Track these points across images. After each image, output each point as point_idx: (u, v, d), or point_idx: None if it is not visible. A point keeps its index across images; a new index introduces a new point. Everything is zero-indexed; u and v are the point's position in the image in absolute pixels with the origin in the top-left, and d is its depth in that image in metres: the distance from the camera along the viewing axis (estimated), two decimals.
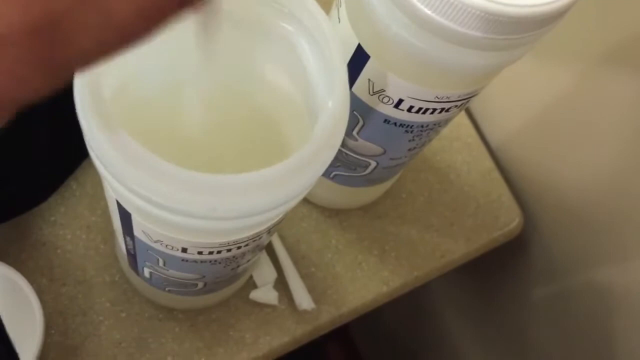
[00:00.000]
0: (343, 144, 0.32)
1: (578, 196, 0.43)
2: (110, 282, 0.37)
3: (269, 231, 0.25)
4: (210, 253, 0.24)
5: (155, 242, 0.24)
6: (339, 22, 0.27)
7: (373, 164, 0.33)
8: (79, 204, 0.38)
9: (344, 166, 0.34)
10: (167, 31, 0.23)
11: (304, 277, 0.39)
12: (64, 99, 0.34)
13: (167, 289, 0.32)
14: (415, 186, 0.43)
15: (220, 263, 0.26)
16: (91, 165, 0.38)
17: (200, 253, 0.24)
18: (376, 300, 0.40)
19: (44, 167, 0.36)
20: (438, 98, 0.26)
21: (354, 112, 0.29)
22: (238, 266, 0.29)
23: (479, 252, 0.43)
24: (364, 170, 0.34)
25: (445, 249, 0.42)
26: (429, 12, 0.22)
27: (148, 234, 0.23)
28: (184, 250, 0.24)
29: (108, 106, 0.18)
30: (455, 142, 0.45)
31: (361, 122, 0.30)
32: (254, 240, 0.25)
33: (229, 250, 0.24)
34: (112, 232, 0.37)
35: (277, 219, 0.23)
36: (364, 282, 0.40)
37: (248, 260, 0.29)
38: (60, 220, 0.38)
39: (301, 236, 0.40)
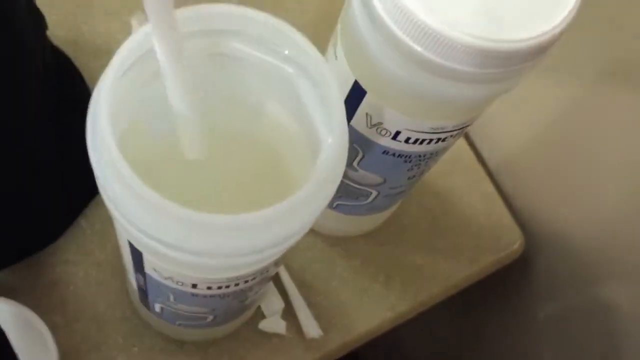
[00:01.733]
0: (344, 175, 0.33)
1: (578, 215, 0.43)
2: (122, 318, 0.38)
3: (276, 263, 0.26)
4: (219, 288, 0.25)
5: (166, 278, 0.24)
6: (336, 59, 0.28)
7: (374, 193, 0.34)
8: (89, 242, 0.39)
9: (346, 196, 0.35)
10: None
11: (311, 305, 0.40)
12: (71, 143, 0.35)
13: (177, 322, 0.32)
14: (418, 211, 0.44)
15: (229, 297, 0.27)
16: (100, 204, 0.39)
17: (209, 288, 0.25)
18: (382, 326, 0.41)
19: (54, 208, 0.37)
20: (433, 129, 0.27)
21: (354, 145, 0.30)
22: (247, 298, 0.29)
23: (483, 273, 0.44)
24: (366, 199, 0.35)
25: (450, 272, 0.43)
26: (420, 50, 0.23)
27: (159, 271, 0.24)
28: (194, 286, 0.24)
29: (119, 150, 0.19)
30: (455, 165, 0.46)
31: (361, 154, 0.31)
32: (262, 274, 0.25)
33: (237, 285, 0.25)
34: (122, 269, 0.38)
35: (282, 253, 0.23)
36: (370, 309, 0.41)
37: (256, 292, 0.30)
38: (72, 259, 0.38)
39: (307, 265, 0.41)
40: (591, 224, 0.43)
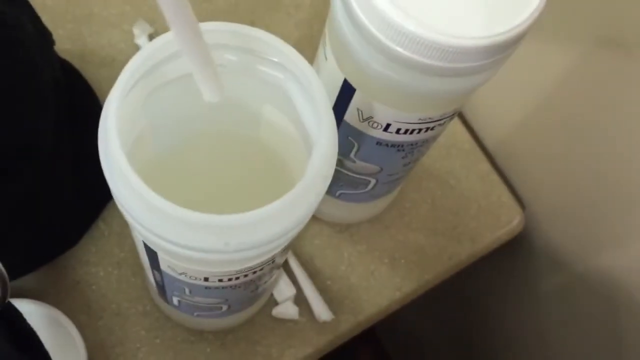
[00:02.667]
0: (343, 166, 0.35)
1: (575, 189, 0.45)
2: (143, 312, 0.40)
3: (282, 254, 0.28)
4: (230, 280, 0.27)
5: (181, 274, 0.27)
6: (326, 60, 0.30)
7: (373, 181, 0.36)
8: (107, 243, 0.41)
9: (347, 185, 0.37)
10: (177, 86, 0.26)
11: (321, 290, 0.42)
12: (85, 151, 0.37)
13: (195, 313, 0.35)
14: (418, 195, 0.46)
15: (240, 287, 0.29)
16: (116, 206, 0.42)
17: (220, 280, 0.27)
18: (391, 306, 0.43)
19: (73, 213, 0.40)
20: (421, 120, 0.29)
21: (349, 138, 0.32)
22: (257, 288, 0.31)
23: (484, 251, 0.46)
24: (366, 187, 0.37)
25: (452, 252, 0.45)
26: (400, 50, 0.25)
27: (173, 268, 0.26)
28: (206, 279, 0.26)
29: (128, 162, 0.21)
30: (452, 148, 0.47)
31: (356, 146, 0.32)
32: (269, 264, 0.27)
33: (246, 276, 0.27)
34: (140, 266, 0.41)
35: (285, 245, 0.25)
36: (378, 290, 0.43)
37: (266, 282, 0.32)
38: (92, 259, 0.41)
39: (315, 253, 0.43)
40: (588, 196, 0.44)
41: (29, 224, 0.36)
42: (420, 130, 0.30)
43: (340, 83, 0.29)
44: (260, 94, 0.27)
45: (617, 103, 0.39)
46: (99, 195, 0.41)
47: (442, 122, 0.30)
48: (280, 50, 0.24)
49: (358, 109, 0.30)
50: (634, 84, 0.37)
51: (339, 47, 0.28)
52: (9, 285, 0.31)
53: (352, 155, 0.33)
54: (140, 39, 0.45)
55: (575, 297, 0.48)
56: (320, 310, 0.41)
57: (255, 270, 0.27)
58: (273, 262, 0.28)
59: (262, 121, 0.28)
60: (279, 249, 0.25)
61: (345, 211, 0.42)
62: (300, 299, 0.41)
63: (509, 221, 0.46)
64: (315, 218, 0.44)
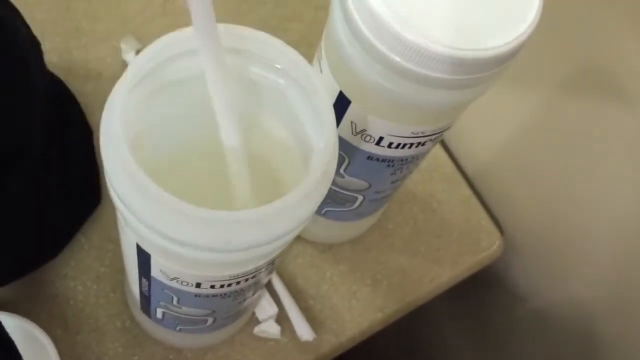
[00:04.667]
0: (332, 181, 0.35)
1: (553, 215, 0.46)
2: (122, 328, 0.39)
3: (271, 264, 0.28)
4: (222, 286, 0.27)
5: (172, 279, 0.26)
6: (321, 72, 0.30)
7: (360, 198, 0.36)
8: (87, 257, 0.40)
9: (333, 202, 0.37)
10: (176, 90, 0.26)
11: (304, 309, 0.42)
12: (68, 162, 0.36)
13: (178, 328, 0.34)
14: (401, 217, 0.46)
15: (229, 297, 0.29)
16: (97, 219, 0.41)
17: (212, 287, 0.26)
18: (372, 327, 0.43)
19: (54, 225, 0.39)
20: (414, 133, 0.30)
21: (340, 152, 0.32)
22: (244, 299, 0.31)
23: (465, 274, 0.46)
24: (352, 205, 0.37)
25: (434, 274, 0.45)
26: (399, 59, 0.25)
27: (165, 272, 0.26)
28: (198, 285, 0.26)
29: (130, 153, 0.21)
30: (434, 173, 0.48)
31: (347, 161, 0.33)
32: (259, 272, 0.27)
33: (238, 283, 0.27)
34: (120, 281, 0.40)
35: (281, 249, 0.25)
36: (360, 311, 0.43)
37: (252, 294, 0.32)
38: (71, 273, 0.40)
39: (298, 272, 0.43)
40: (566, 222, 0.45)
41: (10, 234, 0.36)
42: (412, 144, 0.31)
43: (335, 95, 0.29)
44: (257, 100, 0.27)
45: (593, 133, 0.40)
46: (80, 207, 0.40)
47: (433, 137, 0.31)
48: (282, 52, 0.24)
49: (352, 122, 0.30)
50: (610, 115, 0.38)
51: (337, 58, 0.28)
52: None
53: (341, 170, 0.34)
54: (128, 55, 0.45)
55: (549, 324, 0.49)
56: (302, 329, 0.40)
57: (248, 277, 0.27)
58: (264, 270, 0.28)
59: (256, 127, 0.28)
60: (276, 253, 0.25)
61: (329, 230, 0.42)
62: (282, 318, 0.41)
63: (489, 245, 0.47)
64: (298, 238, 0.43)
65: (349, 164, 0.33)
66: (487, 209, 0.48)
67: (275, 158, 0.29)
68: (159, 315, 0.33)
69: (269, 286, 0.42)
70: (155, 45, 0.23)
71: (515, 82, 0.43)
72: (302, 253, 0.44)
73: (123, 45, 0.45)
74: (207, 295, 0.28)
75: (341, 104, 0.30)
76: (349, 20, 0.26)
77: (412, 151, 0.31)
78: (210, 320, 0.32)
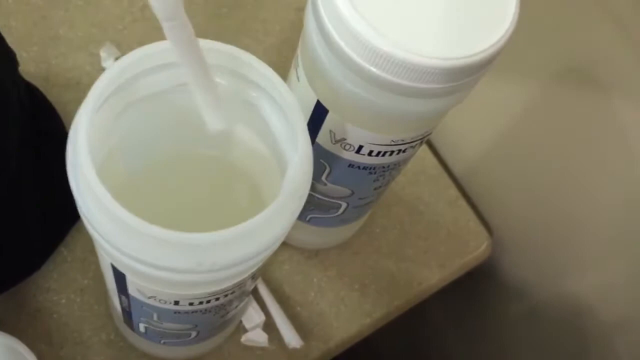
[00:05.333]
0: (314, 189, 0.35)
1: (542, 215, 0.45)
2: (107, 341, 0.39)
3: (253, 277, 0.28)
4: (201, 303, 0.26)
5: (149, 298, 0.26)
6: (298, 80, 0.30)
7: (344, 205, 0.36)
8: (70, 269, 0.40)
9: (317, 209, 0.37)
10: (147, 105, 0.25)
11: (291, 317, 0.41)
12: (48, 174, 0.36)
13: (162, 341, 0.34)
14: (388, 220, 0.45)
15: (210, 312, 0.28)
16: (80, 231, 0.41)
17: (191, 304, 0.26)
18: (361, 332, 0.42)
19: (35, 238, 0.38)
20: (394, 142, 0.29)
21: (320, 160, 0.32)
22: (227, 313, 0.31)
23: (453, 276, 0.46)
24: (337, 212, 0.37)
25: (422, 277, 0.44)
26: (374, 70, 0.25)
27: (142, 291, 0.25)
28: (176, 303, 0.26)
29: (97, 177, 0.21)
30: (421, 175, 0.48)
31: (328, 169, 0.32)
32: (240, 287, 0.27)
33: (217, 299, 0.26)
34: (104, 293, 0.39)
35: (258, 266, 0.25)
36: (348, 316, 0.42)
37: (236, 307, 0.31)
38: (54, 286, 0.39)
39: (284, 279, 0.42)
40: (555, 222, 0.45)
41: None
42: (392, 152, 0.30)
43: (312, 104, 0.29)
44: (233, 113, 0.26)
45: (580, 131, 0.40)
46: (62, 220, 0.40)
47: (414, 144, 0.30)
48: (254, 67, 0.23)
49: (330, 131, 0.30)
50: (598, 114, 0.38)
51: (313, 68, 0.28)
52: None
53: (323, 178, 0.33)
54: (107, 62, 0.45)
55: (541, 322, 0.48)
56: (290, 337, 0.40)
57: (227, 293, 0.26)
58: (244, 285, 0.27)
59: (234, 141, 0.27)
60: (252, 270, 0.25)
61: (315, 236, 0.42)
62: (269, 326, 0.41)
63: (477, 246, 0.46)
64: (284, 244, 0.43)
65: (330, 172, 0.33)
66: (475, 210, 0.48)
67: (254, 168, 0.29)
68: (142, 329, 0.33)
69: (256, 294, 0.41)
70: (119, 64, 0.22)
71: (501, 82, 0.42)
72: (288, 259, 0.43)
73: (102, 53, 0.45)
74: (187, 312, 0.27)
75: (319, 113, 0.29)
76: (323, 30, 0.25)
77: (393, 158, 0.31)
78: (193, 333, 0.32)
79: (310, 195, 0.35)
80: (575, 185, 0.42)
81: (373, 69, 0.25)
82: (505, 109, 0.44)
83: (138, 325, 0.32)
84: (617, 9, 0.34)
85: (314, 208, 0.37)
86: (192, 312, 0.27)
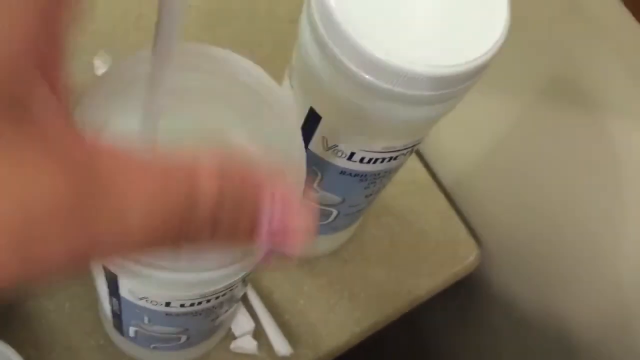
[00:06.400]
0: (305, 196, 0.35)
1: (529, 226, 0.46)
2: (97, 347, 0.39)
3: (244, 281, 0.28)
4: (192, 305, 0.26)
5: (141, 299, 0.26)
6: (292, 87, 0.30)
7: (335, 212, 0.36)
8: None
9: None
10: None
11: (280, 325, 0.41)
12: None
13: (152, 346, 0.34)
14: (378, 230, 0.46)
15: (201, 315, 0.28)
16: None
17: (182, 306, 0.26)
18: (350, 341, 0.43)
19: None
20: (385, 149, 0.30)
21: (312, 167, 0.32)
22: (217, 317, 0.31)
23: (443, 286, 0.46)
24: (327, 219, 0.37)
25: (411, 286, 0.45)
26: (368, 77, 0.25)
27: (133, 292, 0.26)
28: (168, 304, 0.26)
29: None
30: (411, 186, 0.48)
31: (319, 176, 0.33)
32: (230, 290, 0.27)
33: (208, 301, 0.26)
34: (94, 299, 0.39)
35: (250, 268, 0.25)
36: (338, 324, 0.42)
37: (226, 311, 0.31)
38: (44, 292, 0.39)
39: (274, 286, 0.43)
40: (542, 235, 0.45)
41: None
42: (384, 159, 0.31)
43: (306, 111, 0.29)
44: (228, 117, 0.27)
45: (570, 143, 0.40)
46: None
47: (404, 152, 0.31)
48: (249, 72, 0.24)
49: (323, 137, 0.30)
50: (586, 128, 0.38)
51: (307, 75, 0.28)
52: None
53: (315, 184, 0.34)
54: (101, 71, 0.45)
55: (528, 332, 0.49)
56: (279, 345, 0.40)
57: (218, 295, 0.26)
58: (235, 287, 0.27)
59: (227, 143, 0.28)
60: (244, 272, 0.25)
61: None
62: (259, 333, 0.41)
63: (466, 257, 0.47)
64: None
65: (321, 178, 0.33)
66: (465, 222, 0.48)
67: None
68: (131, 334, 0.33)
69: (246, 301, 0.41)
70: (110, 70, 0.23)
71: (490, 97, 0.43)
72: (280, 267, 0.43)
73: (96, 62, 0.45)
74: (178, 314, 0.27)
75: (312, 120, 0.29)
76: (317, 39, 0.26)
77: (384, 166, 0.31)
78: (183, 338, 0.32)
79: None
80: (563, 198, 0.42)
81: (367, 77, 0.25)
82: (494, 124, 0.45)
83: (128, 329, 0.32)
84: (600, 22, 0.35)
85: None
86: (183, 314, 0.27)
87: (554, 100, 0.40)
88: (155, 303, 0.26)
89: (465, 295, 0.52)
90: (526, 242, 0.47)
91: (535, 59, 0.40)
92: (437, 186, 0.49)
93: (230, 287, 0.26)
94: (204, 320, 0.30)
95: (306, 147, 0.31)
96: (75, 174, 0.13)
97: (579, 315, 0.45)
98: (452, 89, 0.26)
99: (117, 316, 0.31)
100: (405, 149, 0.30)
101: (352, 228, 0.43)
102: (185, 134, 0.25)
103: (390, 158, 0.31)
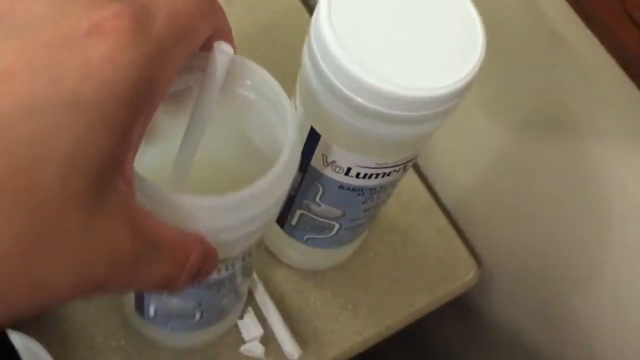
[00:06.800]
0: (309, 210, 0.39)
1: (527, 247, 0.49)
2: (117, 347, 0.42)
3: (244, 258, 0.31)
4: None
5: None
6: (295, 109, 0.34)
7: (337, 225, 0.40)
8: None
9: (313, 230, 0.41)
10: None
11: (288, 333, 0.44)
12: None
13: (169, 325, 0.37)
14: (381, 246, 0.49)
15: (214, 287, 0.32)
16: None
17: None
18: (352, 349, 0.45)
19: None
20: (378, 164, 0.33)
21: (315, 182, 0.36)
22: (226, 295, 0.34)
23: (442, 301, 0.49)
24: (330, 232, 0.40)
25: (412, 300, 0.48)
26: (360, 100, 0.29)
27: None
28: None
29: None
30: (414, 205, 0.51)
31: (321, 190, 0.36)
32: (243, 259, 0.31)
33: (218, 272, 0.30)
34: (117, 302, 0.43)
35: (258, 235, 0.29)
36: (341, 334, 0.45)
37: (236, 290, 0.35)
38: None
39: (282, 296, 0.46)
40: (540, 254, 0.48)
41: None
42: (378, 175, 0.34)
43: (307, 130, 0.33)
44: (235, 116, 0.30)
45: (564, 166, 0.43)
46: None
47: (397, 168, 0.34)
48: (252, 70, 0.27)
49: (323, 154, 0.33)
50: (572, 152, 0.41)
51: (308, 98, 0.32)
52: None
53: (317, 199, 0.37)
54: None
55: (526, 349, 0.51)
56: (289, 346, 0.43)
57: (228, 264, 0.30)
58: (244, 259, 0.31)
59: (236, 142, 0.31)
60: (253, 239, 0.28)
61: (312, 257, 0.45)
62: (267, 340, 0.44)
63: (465, 274, 0.49)
64: (284, 264, 0.47)
65: (323, 193, 0.36)
66: (465, 240, 0.51)
67: (254, 166, 0.32)
68: (151, 313, 0.36)
69: (256, 309, 0.44)
70: None
71: (490, 122, 0.46)
72: (287, 279, 0.47)
73: None
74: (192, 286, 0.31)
75: (313, 138, 0.33)
76: (316, 66, 0.29)
77: (379, 181, 0.35)
78: (198, 314, 0.36)
79: (305, 216, 0.39)
80: (562, 217, 0.45)
81: (358, 99, 0.28)
82: (493, 149, 0.48)
83: (149, 307, 0.36)
84: (576, 53, 0.38)
85: (310, 229, 0.41)
86: (195, 287, 0.31)
87: (545, 126, 0.43)
88: None
89: (466, 314, 0.54)
90: (525, 261, 0.49)
91: (522, 85, 0.43)
92: (438, 206, 0.52)
93: (242, 256, 0.30)
94: (217, 295, 0.33)
95: (308, 163, 0.35)
96: (137, 240, 0.20)
97: (575, 335, 0.47)
98: (435, 109, 0.29)
99: (136, 295, 0.35)
100: (397, 165, 0.34)
101: (355, 244, 0.46)
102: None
103: (384, 174, 0.34)
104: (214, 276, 0.30)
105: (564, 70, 0.39)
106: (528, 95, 0.43)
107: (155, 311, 0.35)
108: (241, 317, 0.44)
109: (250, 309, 0.44)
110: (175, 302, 0.33)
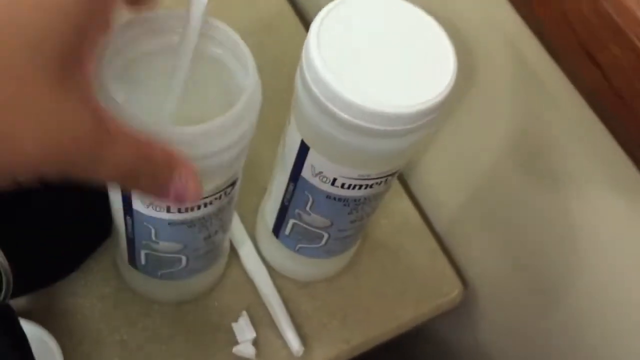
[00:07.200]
0: (301, 219, 0.42)
1: (512, 269, 0.51)
2: (120, 341, 0.46)
3: (226, 193, 0.35)
4: (186, 210, 0.34)
5: (148, 206, 0.33)
6: (289, 124, 0.38)
7: (326, 235, 0.43)
8: (95, 278, 0.47)
9: (304, 239, 0.44)
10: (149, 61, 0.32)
11: (279, 338, 0.47)
12: (88, 199, 0.44)
13: (159, 273, 0.41)
14: (372, 262, 0.52)
15: (195, 226, 0.36)
16: (105, 249, 0.48)
17: (179, 211, 0.34)
18: (339, 356, 0.48)
19: (71, 249, 0.46)
20: (361, 176, 0.36)
21: (305, 192, 0.39)
22: (209, 236, 0.38)
23: (427, 316, 0.51)
24: (320, 242, 0.44)
25: (398, 314, 0.50)
26: (345, 116, 0.32)
27: (143, 201, 0.33)
28: (168, 209, 0.34)
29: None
30: (405, 226, 0.54)
31: (311, 200, 0.40)
32: (217, 199, 0.34)
33: (199, 208, 0.34)
34: (122, 299, 0.46)
35: (229, 174, 0.33)
36: (329, 341, 0.48)
37: (216, 232, 0.39)
38: (80, 291, 0.47)
39: None
40: (524, 277, 0.50)
41: (41, 252, 0.43)
42: (361, 186, 0.37)
43: (299, 142, 0.37)
44: (204, 70, 0.33)
45: (549, 195, 0.45)
46: (93, 237, 0.47)
47: (379, 181, 0.37)
48: (219, 28, 0.31)
49: (312, 165, 0.37)
50: (556, 182, 0.44)
51: (299, 113, 0.36)
52: (11, 286, 0.38)
53: (308, 208, 0.41)
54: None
55: None
56: (292, 341, 0.47)
57: (206, 202, 0.34)
58: (219, 198, 0.35)
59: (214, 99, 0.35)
60: (225, 176, 0.33)
61: (304, 267, 0.48)
62: (258, 344, 0.47)
63: (450, 292, 0.52)
64: (279, 274, 0.50)
65: (312, 202, 0.40)
66: (451, 260, 0.54)
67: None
68: (142, 260, 0.40)
69: (257, 308, 0.48)
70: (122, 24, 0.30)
71: (477, 139, 0.49)
72: (282, 288, 0.50)
73: None
74: (176, 223, 0.35)
75: (303, 150, 0.37)
76: (306, 85, 0.33)
77: (362, 192, 0.38)
78: (184, 260, 0.40)
79: (297, 225, 0.43)
80: (546, 238, 0.47)
81: (343, 114, 0.32)
82: (483, 176, 0.51)
83: (139, 255, 0.40)
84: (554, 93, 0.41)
85: (302, 238, 0.44)
86: (181, 222, 0.35)
87: (527, 155, 0.46)
88: (159, 208, 0.34)
89: (450, 331, 0.57)
90: (509, 283, 0.52)
91: (503, 117, 0.46)
92: (428, 229, 0.55)
93: (217, 194, 0.34)
94: (198, 235, 0.37)
95: (299, 173, 0.38)
96: (98, 126, 0.22)
97: (561, 356, 0.49)
98: (411, 125, 0.32)
99: (130, 242, 0.39)
100: (379, 177, 0.37)
101: (346, 256, 0.49)
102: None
103: (367, 185, 0.37)
104: (195, 212, 0.34)
105: (538, 105, 0.42)
106: (509, 125, 0.46)
107: (146, 258, 0.39)
108: (236, 320, 0.47)
109: (245, 313, 0.47)
110: (161, 244, 0.37)
